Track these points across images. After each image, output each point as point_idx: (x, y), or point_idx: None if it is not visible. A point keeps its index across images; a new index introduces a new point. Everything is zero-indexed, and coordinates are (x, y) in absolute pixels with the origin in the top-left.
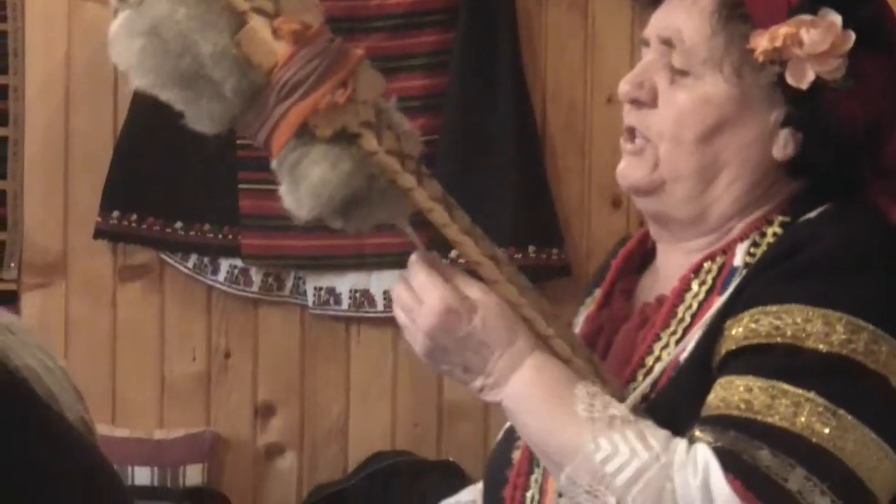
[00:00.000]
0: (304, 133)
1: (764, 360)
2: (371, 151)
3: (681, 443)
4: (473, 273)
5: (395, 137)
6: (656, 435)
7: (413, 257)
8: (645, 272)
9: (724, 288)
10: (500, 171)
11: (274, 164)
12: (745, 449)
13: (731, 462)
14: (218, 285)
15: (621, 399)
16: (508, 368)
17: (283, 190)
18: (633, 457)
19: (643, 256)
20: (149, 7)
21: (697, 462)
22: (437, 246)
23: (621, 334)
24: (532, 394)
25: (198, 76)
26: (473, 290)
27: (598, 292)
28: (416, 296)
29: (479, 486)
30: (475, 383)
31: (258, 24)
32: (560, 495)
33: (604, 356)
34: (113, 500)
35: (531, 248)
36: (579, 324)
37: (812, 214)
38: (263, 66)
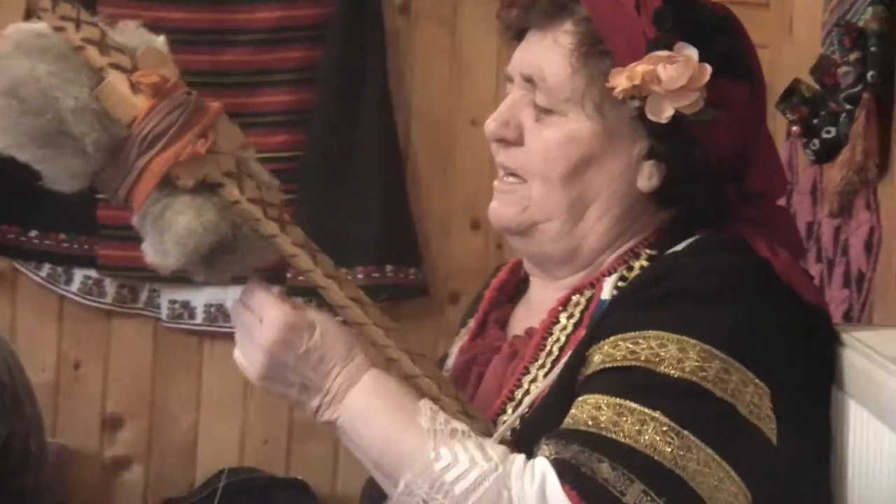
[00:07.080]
0: (167, 185)
1: (616, 380)
2: (233, 200)
3: (521, 455)
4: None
5: (256, 186)
6: (496, 448)
7: (249, 282)
8: (518, 302)
9: (591, 321)
10: (362, 190)
11: (136, 219)
12: (585, 462)
13: (569, 473)
14: (71, 295)
15: (489, 435)
16: (347, 383)
17: (147, 244)
18: (472, 466)
19: (516, 285)
20: (6, 68)
21: (535, 472)
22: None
23: (492, 366)
24: (372, 405)
25: (58, 133)
26: (309, 311)
27: (471, 322)
28: (256, 314)
29: None
30: (312, 402)
31: (116, 79)
32: None
33: (476, 387)
34: None
35: (389, 268)
36: (454, 354)
37: (679, 247)
38: (123, 120)
